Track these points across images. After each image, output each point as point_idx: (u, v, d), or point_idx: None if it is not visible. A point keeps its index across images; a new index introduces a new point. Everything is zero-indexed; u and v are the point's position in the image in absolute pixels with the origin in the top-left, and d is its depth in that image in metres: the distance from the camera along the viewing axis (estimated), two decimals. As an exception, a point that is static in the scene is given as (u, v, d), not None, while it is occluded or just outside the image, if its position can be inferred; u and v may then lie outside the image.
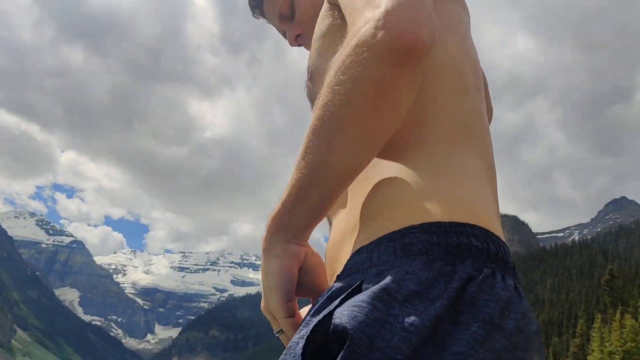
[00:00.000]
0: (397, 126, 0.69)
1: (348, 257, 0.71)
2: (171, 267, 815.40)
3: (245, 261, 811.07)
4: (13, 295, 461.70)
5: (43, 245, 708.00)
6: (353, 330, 0.57)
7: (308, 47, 0.98)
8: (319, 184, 0.70)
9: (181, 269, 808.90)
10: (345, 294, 0.63)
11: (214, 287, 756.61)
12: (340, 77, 0.65)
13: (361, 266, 0.67)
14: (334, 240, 0.81)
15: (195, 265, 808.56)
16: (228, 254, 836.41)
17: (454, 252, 0.64)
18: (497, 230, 0.70)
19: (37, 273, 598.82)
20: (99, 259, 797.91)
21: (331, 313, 0.61)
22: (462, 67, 0.80)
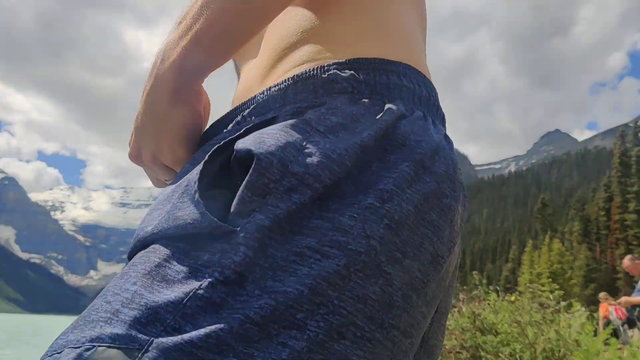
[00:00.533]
0: None
1: None
2: (112, 203, 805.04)
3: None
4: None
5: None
6: (260, 152, 0.49)
7: None
8: (252, 8, 0.57)
9: (123, 204, 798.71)
10: (252, 125, 0.55)
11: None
12: None
13: (273, 105, 0.58)
14: (242, 88, 0.69)
15: (137, 200, 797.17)
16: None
17: (383, 92, 0.57)
18: (429, 75, 0.64)
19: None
20: (34, 196, 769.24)
21: (233, 141, 0.52)
22: None
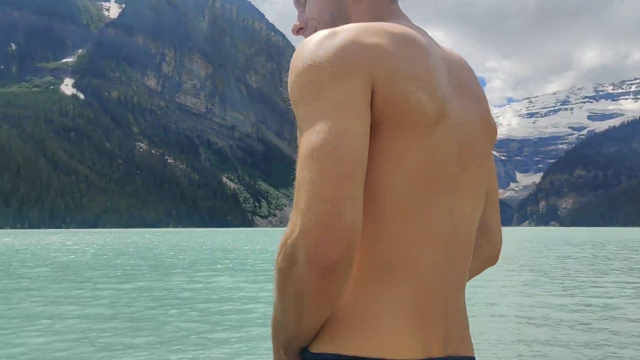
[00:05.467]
0: (341, 297, 0.76)
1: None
2: (519, 116, 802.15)
3: (600, 93, 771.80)
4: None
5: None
6: None
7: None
8: (292, 337, 0.81)
9: (530, 115, 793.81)
10: None
11: (569, 127, 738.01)
12: (280, 281, 0.76)
13: None
14: None
15: (544, 108, 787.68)
16: (578, 89, 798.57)
17: None
18: (411, 352, 0.77)
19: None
20: None
21: None
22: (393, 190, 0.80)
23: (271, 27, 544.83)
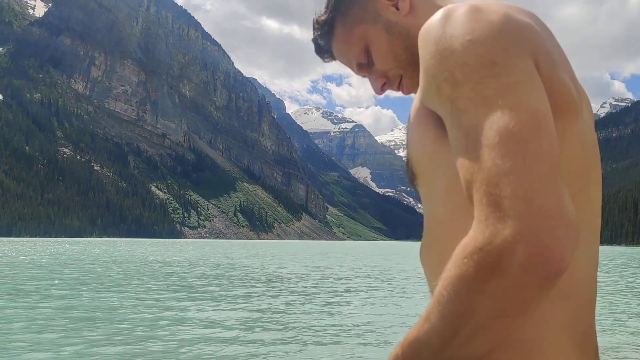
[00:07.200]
0: None
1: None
2: None
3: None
4: (320, 178, 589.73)
5: (332, 134, 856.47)
6: None
7: (395, 88, 0.95)
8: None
9: None
10: None
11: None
12: (459, 297, 0.59)
13: None
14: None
15: None
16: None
17: None
18: None
19: (333, 158, 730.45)
20: (379, 139, 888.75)
21: None
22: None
23: (207, 36, 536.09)
